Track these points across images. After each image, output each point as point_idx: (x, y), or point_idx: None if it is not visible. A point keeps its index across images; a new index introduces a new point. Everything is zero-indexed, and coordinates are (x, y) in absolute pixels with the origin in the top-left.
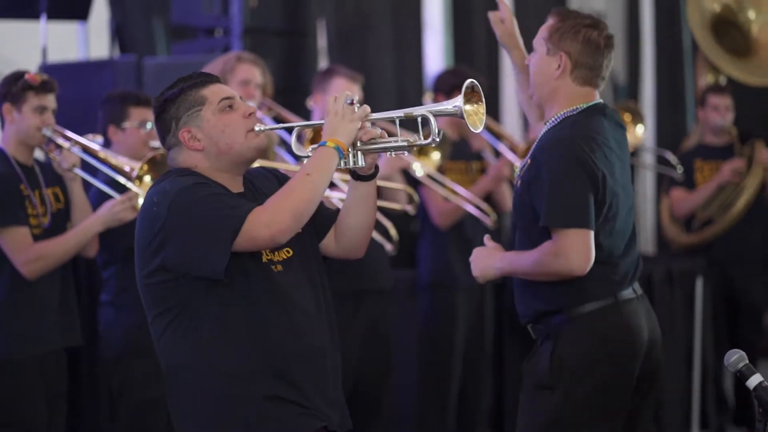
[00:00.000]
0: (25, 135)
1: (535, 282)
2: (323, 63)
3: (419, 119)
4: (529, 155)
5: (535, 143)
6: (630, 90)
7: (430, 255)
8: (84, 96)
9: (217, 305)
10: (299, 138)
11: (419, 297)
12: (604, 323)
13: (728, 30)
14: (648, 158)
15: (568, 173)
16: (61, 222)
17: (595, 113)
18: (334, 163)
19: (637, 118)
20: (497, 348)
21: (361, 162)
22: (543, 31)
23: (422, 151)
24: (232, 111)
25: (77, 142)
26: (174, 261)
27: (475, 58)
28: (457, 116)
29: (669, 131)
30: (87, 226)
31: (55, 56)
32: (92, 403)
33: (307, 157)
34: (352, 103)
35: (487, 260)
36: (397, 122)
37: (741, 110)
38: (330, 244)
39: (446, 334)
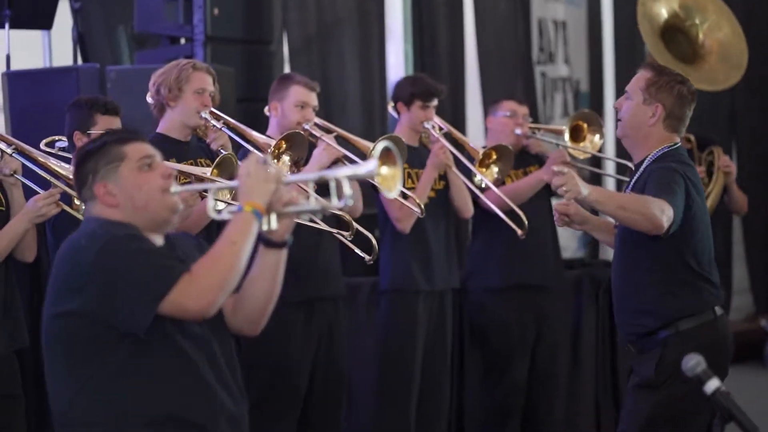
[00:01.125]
0: None
1: (641, 302)
2: (286, 71)
3: (333, 183)
4: (632, 185)
5: (638, 173)
6: (592, 98)
7: (390, 260)
8: (47, 104)
9: (127, 359)
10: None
11: (379, 303)
12: (707, 336)
13: (676, 37)
14: (609, 167)
15: (672, 177)
16: (3, 224)
17: (682, 151)
18: (255, 228)
19: (595, 127)
20: (458, 354)
21: (274, 225)
22: (639, 82)
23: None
24: (151, 170)
25: (18, 147)
26: (91, 308)
27: (438, 65)
28: (370, 179)
29: None
30: (13, 225)
31: (19, 64)
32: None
33: (222, 219)
34: (265, 163)
35: (577, 182)
36: (311, 186)
37: (696, 118)
38: (225, 315)
39: (406, 339)
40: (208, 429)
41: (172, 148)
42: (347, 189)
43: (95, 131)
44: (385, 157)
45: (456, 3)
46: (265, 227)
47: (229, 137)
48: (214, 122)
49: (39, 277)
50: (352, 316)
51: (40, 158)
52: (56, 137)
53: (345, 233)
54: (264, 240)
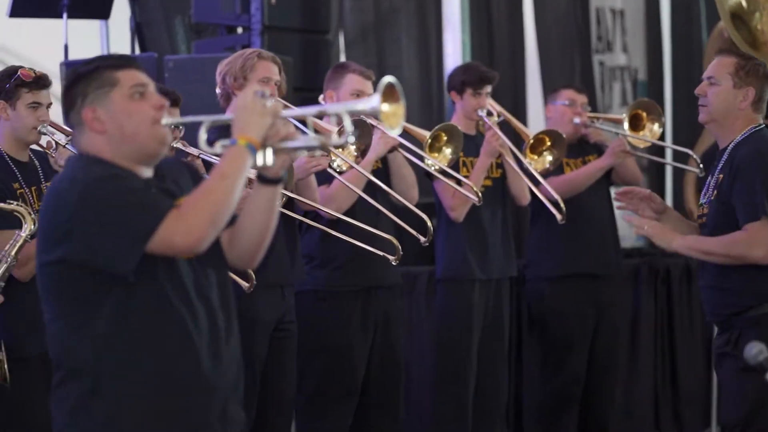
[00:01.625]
0: (19, 132)
1: (729, 283)
2: (342, 60)
3: (337, 118)
4: (719, 169)
5: (725, 157)
6: (650, 86)
7: (445, 249)
8: None
9: (117, 303)
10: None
11: (436, 292)
12: None
13: (738, 24)
14: (668, 155)
15: (762, 172)
16: None
17: (765, 132)
18: (248, 162)
19: (654, 115)
20: (516, 343)
21: (269, 161)
22: (726, 67)
23: (433, 147)
24: (142, 99)
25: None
26: (78, 254)
27: (496, 54)
28: (373, 115)
29: (684, 129)
30: None
31: (77, 54)
32: None
33: (214, 153)
34: (263, 96)
35: (667, 234)
36: (310, 120)
37: None
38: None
39: (462, 328)
40: (188, 387)
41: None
42: (348, 125)
43: None
44: (389, 93)
45: None
46: (260, 162)
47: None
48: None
49: None
50: (410, 305)
51: None
52: None
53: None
54: (259, 175)
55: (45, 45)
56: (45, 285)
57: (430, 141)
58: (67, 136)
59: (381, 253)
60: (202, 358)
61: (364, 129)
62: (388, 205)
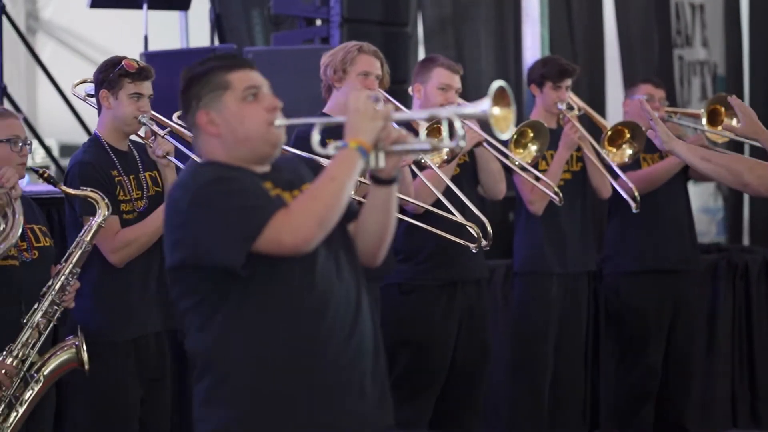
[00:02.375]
0: (121, 121)
1: None
2: (420, 53)
3: (444, 121)
4: None
5: None
6: (729, 81)
7: (523, 242)
8: None
9: (242, 297)
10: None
11: (513, 285)
12: None
13: None
14: (746, 150)
15: None
16: (157, 206)
17: None
18: (358, 166)
19: (732, 110)
20: (593, 337)
21: (381, 163)
22: None
23: (518, 143)
24: (255, 101)
25: (173, 129)
26: (195, 256)
27: (575, 48)
28: (484, 119)
29: (763, 124)
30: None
31: (156, 45)
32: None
33: (327, 155)
34: (377, 100)
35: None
36: (422, 124)
37: None
38: None
39: (539, 321)
40: (323, 375)
41: (334, 129)
42: (459, 128)
43: None
44: (499, 97)
45: None
46: (372, 165)
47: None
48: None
49: None
50: (488, 298)
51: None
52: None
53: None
54: (372, 176)
55: (125, 36)
56: (174, 287)
57: (515, 137)
58: (165, 127)
59: (462, 241)
60: (332, 342)
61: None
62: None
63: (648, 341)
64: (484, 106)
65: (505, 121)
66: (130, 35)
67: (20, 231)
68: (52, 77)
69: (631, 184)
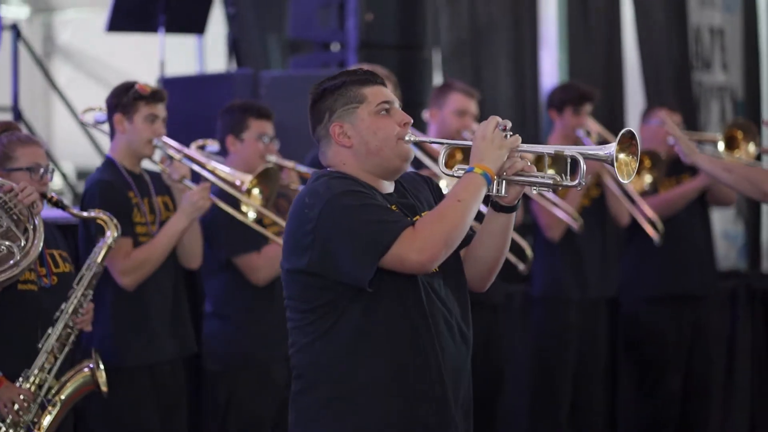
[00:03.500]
0: (136, 145)
1: None
2: (437, 77)
3: (569, 159)
4: None
5: None
6: (748, 106)
7: (542, 268)
8: (200, 109)
9: (360, 313)
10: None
11: (531, 311)
12: None
13: None
14: None
15: None
16: None
17: None
18: (483, 190)
19: (749, 135)
20: (611, 363)
21: (503, 191)
22: None
23: (538, 168)
24: (388, 116)
25: (187, 154)
26: (319, 265)
27: (594, 73)
28: (608, 163)
29: None
30: (172, 223)
31: (173, 69)
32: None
33: (452, 176)
34: (504, 129)
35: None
36: (546, 159)
37: None
38: None
39: (558, 349)
40: (429, 396)
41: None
42: (583, 168)
43: (248, 135)
44: (627, 143)
45: (613, 10)
46: (494, 192)
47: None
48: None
49: (194, 284)
50: (506, 323)
51: (208, 165)
52: (207, 140)
53: None
54: (493, 203)
55: (142, 60)
56: (292, 292)
57: (534, 162)
58: (178, 151)
59: (514, 259)
60: (439, 369)
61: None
62: None
63: (667, 367)
64: (610, 150)
65: (628, 167)
66: (147, 59)
67: (41, 246)
68: (67, 102)
69: (653, 215)
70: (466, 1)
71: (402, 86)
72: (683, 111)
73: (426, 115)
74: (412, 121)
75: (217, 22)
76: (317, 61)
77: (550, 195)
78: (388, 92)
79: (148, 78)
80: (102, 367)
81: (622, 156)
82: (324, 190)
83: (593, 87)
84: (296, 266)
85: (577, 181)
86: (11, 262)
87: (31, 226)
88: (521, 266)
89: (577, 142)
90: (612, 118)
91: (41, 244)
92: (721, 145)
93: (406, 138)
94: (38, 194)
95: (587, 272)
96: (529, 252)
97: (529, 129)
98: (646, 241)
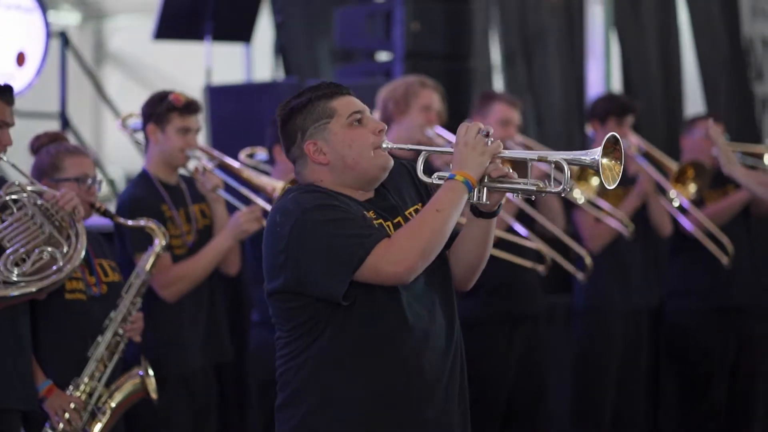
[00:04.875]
0: (168, 155)
1: None
2: (488, 86)
3: (552, 165)
4: None
5: None
6: None
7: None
8: (247, 117)
9: (339, 329)
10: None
11: (574, 322)
12: None
13: None
14: None
15: None
16: (207, 239)
17: None
18: (463, 198)
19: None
20: (654, 376)
21: (485, 198)
22: None
23: (581, 176)
24: (361, 126)
25: (221, 162)
26: (295, 284)
27: (647, 83)
28: (593, 168)
29: None
30: (217, 242)
31: (223, 77)
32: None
33: (432, 183)
34: (487, 135)
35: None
36: (530, 165)
37: None
38: None
39: (600, 360)
40: (409, 408)
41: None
42: (568, 174)
43: None
44: (611, 147)
45: (667, 20)
46: (475, 198)
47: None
48: (439, 140)
49: (239, 291)
50: (548, 334)
51: (243, 173)
52: (257, 148)
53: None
54: (473, 209)
55: (191, 67)
56: (273, 312)
57: (676, 174)
58: (212, 160)
59: (530, 264)
60: (419, 374)
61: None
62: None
63: (711, 379)
64: (595, 155)
65: (612, 173)
66: (196, 67)
67: (84, 252)
68: (115, 109)
69: (715, 230)
70: (517, 12)
71: (448, 96)
72: (742, 122)
73: None
74: (386, 128)
75: (266, 30)
76: (363, 70)
77: (601, 203)
78: (356, 101)
79: (195, 86)
80: (151, 373)
81: (605, 161)
82: (293, 206)
83: (651, 96)
84: (274, 287)
85: (561, 188)
86: (54, 267)
87: (74, 232)
88: (579, 275)
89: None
90: (670, 131)
91: (84, 249)
92: (766, 158)
93: (383, 146)
94: (79, 200)
95: (631, 283)
96: (588, 260)
97: (577, 139)
98: (692, 253)
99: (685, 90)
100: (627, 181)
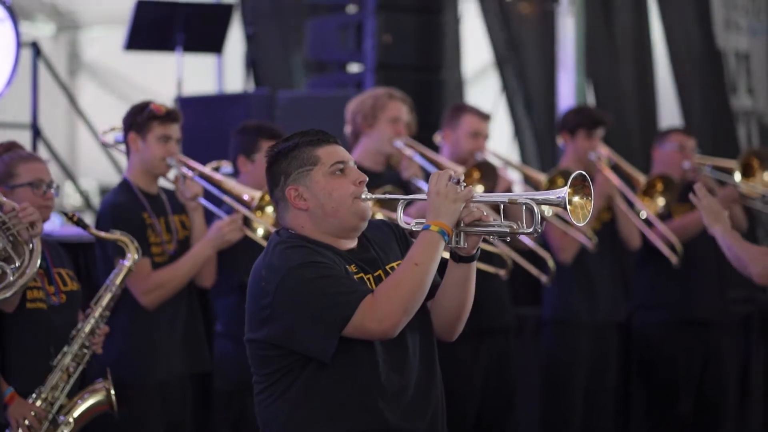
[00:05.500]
0: (149, 164)
1: None
2: (458, 98)
3: (523, 207)
4: None
5: None
6: None
7: (553, 291)
8: (217, 128)
9: (313, 379)
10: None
11: (542, 334)
12: None
13: None
14: None
15: None
16: (187, 249)
17: None
18: (440, 248)
19: (767, 163)
20: (623, 387)
21: (462, 243)
22: None
23: (550, 188)
24: (343, 176)
25: (200, 172)
26: (280, 339)
27: (619, 96)
28: (561, 207)
29: None
30: (198, 250)
31: (195, 88)
32: None
33: (411, 229)
34: (458, 182)
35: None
36: (501, 208)
37: None
38: None
39: (568, 372)
40: None
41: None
42: (538, 215)
43: (259, 156)
44: (580, 185)
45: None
46: (452, 244)
47: (421, 166)
48: (407, 151)
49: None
50: (518, 347)
51: (223, 183)
52: (222, 162)
53: (501, 271)
54: (452, 255)
55: (166, 79)
56: (252, 358)
57: (547, 185)
58: (191, 170)
59: (493, 269)
60: (396, 423)
61: (487, 168)
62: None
63: (678, 392)
64: (562, 193)
65: (582, 210)
66: (171, 78)
67: (36, 269)
68: (88, 121)
69: (673, 238)
70: (488, 25)
71: (419, 108)
72: (719, 135)
73: (438, 137)
74: (366, 179)
75: (238, 41)
76: (335, 82)
77: (564, 215)
78: (342, 151)
79: (166, 97)
80: (112, 391)
81: (576, 199)
82: (279, 263)
83: (618, 111)
84: (254, 337)
85: (533, 228)
86: (3, 283)
87: (29, 247)
88: (543, 278)
89: (589, 165)
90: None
91: (37, 265)
92: (737, 174)
93: (363, 196)
94: (39, 215)
95: (598, 296)
96: (551, 263)
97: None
98: (659, 266)
99: (659, 103)
100: None
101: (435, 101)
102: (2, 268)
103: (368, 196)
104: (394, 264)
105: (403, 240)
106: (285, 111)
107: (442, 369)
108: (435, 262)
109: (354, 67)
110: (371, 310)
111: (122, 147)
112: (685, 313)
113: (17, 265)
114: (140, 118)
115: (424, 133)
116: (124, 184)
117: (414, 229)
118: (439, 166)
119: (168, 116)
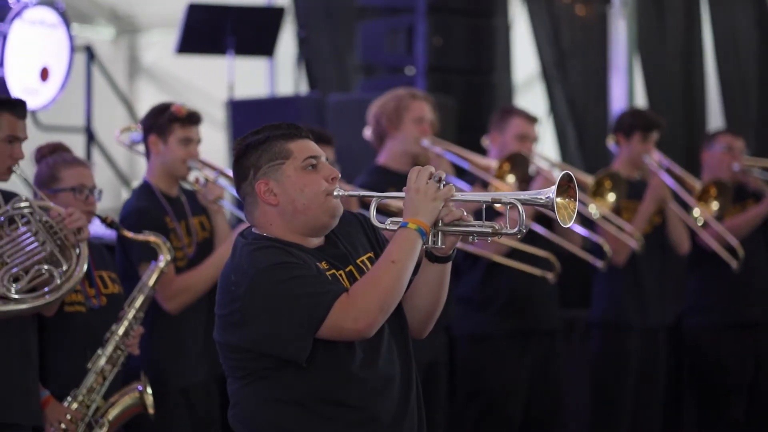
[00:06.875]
0: (170, 166)
1: None
2: (509, 101)
3: (507, 207)
4: None
5: None
6: None
7: (603, 294)
8: None
9: (289, 380)
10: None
11: (591, 336)
12: None
13: None
14: None
15: None
16: (206, 251)
17: None
18: (418, 246)
19: None
20: (674, 390)
21: (440, 243)
22: None
23: (597, 192)
24: (315, 171)
25: (223, 174)
26: (253, 343)
27: (667, 99)
28: (547, 208)
29: None
30: (222, 253)
31: (243, 91)
32: None
33: (385, 229)
34: (439, 180)
35: None
36: (483, 207)
37: None
38: None
39: (617, 374)
40: None
41: (392, 180)
42: (522, 215)
43: None
44: (565, 185)
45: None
46: (429, 243)
47: (451, 162)
48: (436, 149)
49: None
50: (567, 349)
51: None
52: None
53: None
54: (427, 254)
55: (215, 81)
56: (225, 362)
57: (594, 187)
58: (215, 171)
59: (539, 272)
60: (375, 420)
61: (518, 160)
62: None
63: (730, 396)
64: (549, 193)
65: (567, 210)
66: (218, 81)
67: (83, 274)
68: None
69: (734, 241)
70: (542, 29)
71: (470, 111)
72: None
73: (486, 140)
74: (339, 175)
75: (290, 44)
76: (386, 85)
77: (615, 219)
78: (314, 146)
79: (217, 100)
80: (150, 391)
81: (559, 200)
82: (248, 266)
83: (669, 113)
84: (226, 341)
85: (517, 229)
86: (49, 287)
87: (76, 252)
88: (549, 275)
89: (643, 168)
90: (691, 144)
91: (83, 269)
92: None
93: (335, 193)
94: (86, 220)
95: (648, 299)
96: (607, 248)
97: (600, 155)
98: (709, 269)
99: (708, 105)
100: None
101: (485, 104)
102: (50, 272)
103: (341, 193)
104: (364, 257)
105: (371, 231)
106: (335, 114)
107: (484, 370)
108: (412, 260)
109: (406, 70)
110: (347, 309)
111: (139, 147)
112: (736, 316)
113: (64, 269)
114: (161, 120)
115: (473, 136)
116: (146, 187)
117: (388, 228)
118: (469, 161)
119: (189, 118)
